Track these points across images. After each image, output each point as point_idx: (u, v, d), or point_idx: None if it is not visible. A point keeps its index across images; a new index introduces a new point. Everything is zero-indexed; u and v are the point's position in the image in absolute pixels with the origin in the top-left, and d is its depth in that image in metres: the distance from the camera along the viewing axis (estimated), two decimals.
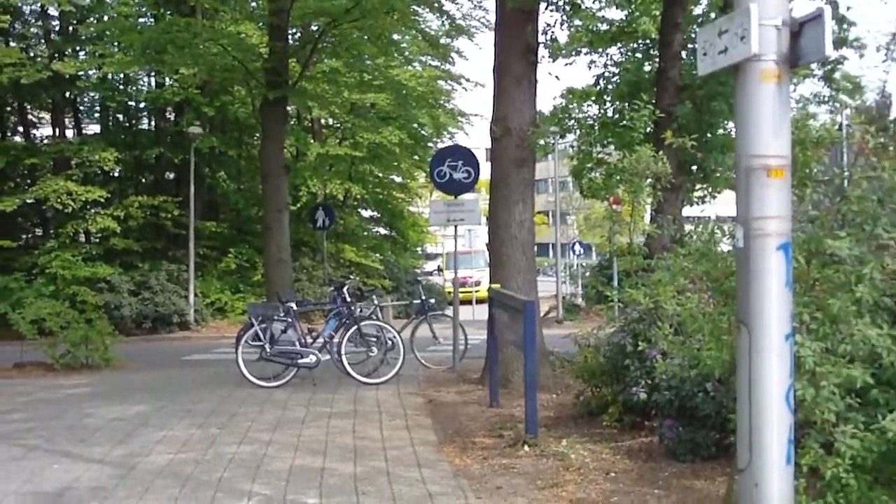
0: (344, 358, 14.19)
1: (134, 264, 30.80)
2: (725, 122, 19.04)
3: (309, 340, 14.50)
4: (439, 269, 44.87)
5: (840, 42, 19.09)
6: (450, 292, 28.78)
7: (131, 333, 27.22)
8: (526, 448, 9.29)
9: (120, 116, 35.53)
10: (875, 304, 5.81)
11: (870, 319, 5.71)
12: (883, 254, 5.85)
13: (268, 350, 14.09)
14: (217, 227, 33.19)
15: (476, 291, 35.64)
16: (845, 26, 19.11)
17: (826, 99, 20.09)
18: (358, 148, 33.93)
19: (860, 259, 5.87)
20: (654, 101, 17.07)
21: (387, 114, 33.77)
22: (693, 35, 16.91)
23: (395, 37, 27.19)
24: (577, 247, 49.93)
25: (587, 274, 39.55)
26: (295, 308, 14.69)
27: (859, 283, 5.71)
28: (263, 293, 25.17)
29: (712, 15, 20.63)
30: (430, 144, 36.83)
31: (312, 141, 33.04)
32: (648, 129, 12.82)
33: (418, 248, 47.45)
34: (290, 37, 24.23)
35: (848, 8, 19.41)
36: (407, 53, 30.70)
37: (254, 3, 29.98)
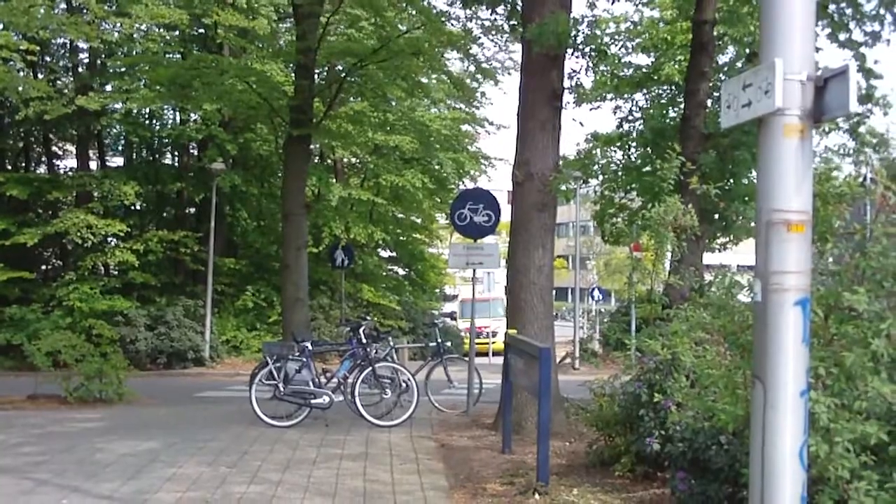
0: (357, 399, 14.14)
1: (151, 298, 30.89)
2: (749, 171, 18.97)
3: (323, 381, 14.47)
4: (453, 316, 44.29)
5: (866, 98, 19.05)
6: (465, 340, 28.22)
7: (146, 368, 27.24)
8: (537, 496, 9.19)
9: (144, 151, 35.77)
10: (892, 360, 5.75)
11: (887, 376, 5.65)
12: None
13: (281, 389, 14.06)
14: (236, 263, 33.26)
15: (492, 343, 33.31)
16: (872, 80, 19.09)
17: (850, 152, 20.05)
18: (380, 191, 33.99)
19: (879, 315, 5.81)
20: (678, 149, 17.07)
21: (410, 156, 33.87)
22: (719, 84, 16.89)
23: (422, 80, 27.28)
24: (596, 292, 49.85)
25: (606, 320, 39.36)
26: (310, 348, 14.66)
27: (876, 338, 5.65)
28: (280, 331, 25.13)
29: (739, 64, 20.65)
30: (451, 186, 36.87)
31: (334, 181, 33.10)
32: (680, 176, 12.80)
33: (437, 290, 47.42)
34: (316, 76, 24.35)
35: (875, 61, 19.40)
36: (433, 95, 30.78)
37: (281, 42, 30.25)
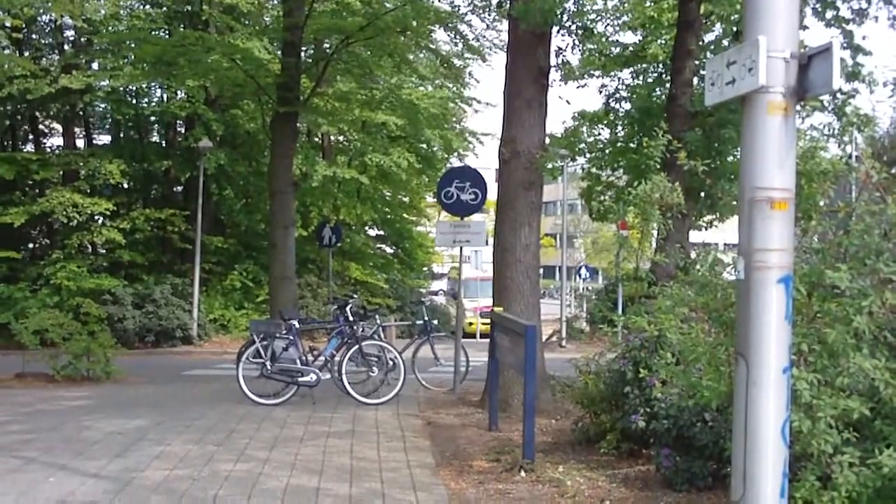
0: (344, 377, 14.16)
1: (139, 277, 30.81)
2: (734, 149, 18.99)
3: (310, 359, 14.47)
4: (450, 293, 43.86)
5: (853, 75, 19.06)
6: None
7: (134, 346, 27.19)
8: (522, 473, 9.24)
9: (130, 129, 35.60)
10: (874, 337, 5.79)
11: (868, 352, 5.68)
12: (884, 288, 5.82)
13: (268, 367, 14.07)
14: (223, 242, 33.19)
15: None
16: (860, 56, 19.08)
17: (836, 132, 20.07)
18: (367, 169, 33.92)
19: (861, 292, 5.84)
20: (664, 128, 17.08)
21: (397, 134, 33.78)
22: (706, 62, 16.91)
23: (409, 57, 27.19)
24: (583, 270, 49.92)
25: (593, 298, 39.43)
26: (297, 326, 14.67)
27: (858, 315, 5.68)
28: (267, 310, 25.12)
29: (725, 42, 20.64)
30: (438, 164, 36.80)
31: (321, 160, 32.99)
32: (666, 154, 12.79)
33: (425, 268, 47.42)
34: (302, 53, 24.26)
35: (864, 37, 19.37)
36: (420, 72, 30.68)
37: (267, 19, 30.12)
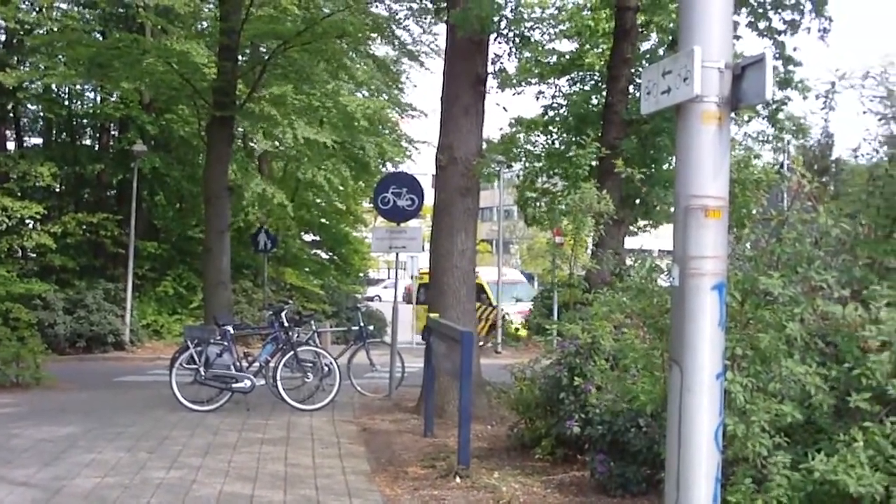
0: (279, 383, 14.08)
1: (70, 282, 30.32)
2: (670, 157, 19.19)
3: (244, 364, 14.36)
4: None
5: (785, 83, 19.35)
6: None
7: (65, 352, 26.79)
8: (458, 479, 9.23)
9: (62, 131, 35.06)
10: (806, 344, 5.87)
11: (800, 358, 5.76)
12: (815, 295, 5.91)
13: (202, 373, 13.95)
14: (157, 247, 32.82)
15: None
16: (791, 67, 19.38)
17: (770, 139, 20.34)
18: (299, 185, 33.73)
19: (794, 299, 5.93)
20: (600, 135, 17.22)
21: (333, 145, 33.57)
22: (641, 71, 17.06)
23: (346, 62, 27.08)
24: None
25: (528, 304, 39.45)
26: (232, 332, 14.56)
27: (791, 321, 5.76)
28: (201, 315, 24.87)
29: (661, 51, 20.84)
30: (375, 170, 36.66)
31: (258, 171, 32.73)
32: (593, 163, 12.91)
33: (361, 274, 47.26)
34: (239, 57, 24.08)
35: (795, 48, 19.69)
36: (357, 78, 30.53)
37: (204, 23, 29.85)
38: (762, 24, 18.24)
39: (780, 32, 18.32)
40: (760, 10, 18.07)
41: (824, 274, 5.97)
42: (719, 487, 4.61)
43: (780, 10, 18.04)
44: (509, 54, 16.48)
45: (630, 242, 19.82)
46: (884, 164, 6.71)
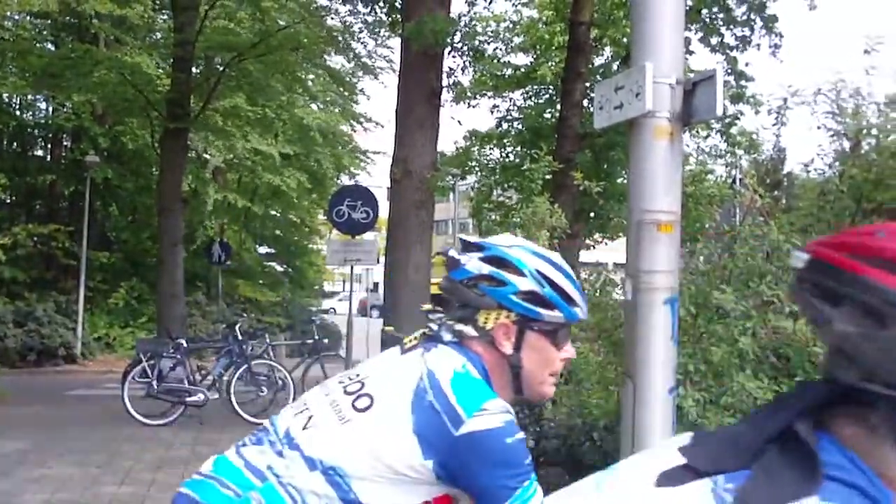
0: (233, 397, 13.99)
1: (21, 294, 29.96)
2: (623, 171, 19.31)
3: (198, 378, 14.26)
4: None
5: (737, 98, 19.57)
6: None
7: (15, 366, 26.41)
8: None
9: (13, 141, 34.71)
10: (758, 358, 5.91)
11: (752, 372, 5.80)
12: (767, 309, 5.95)
13: (155, 387, 13.82)
14: (110, 258, 32.52)
15: None
16: (743, 82, 19.62)
17: (723, 153, 20.56)
18: (257, 190, 33.58)
19: (745, 314, 5.97)
20: (554, 149, 17.30)
21: (288, 155, 33.47)
22: (596, 84, 17.20)
23: (301, 75, 27.02)
24: None
25: None
26: (185, 345, 14.46)
27: (743, 336, 5.80)
28: (154, 328, 24.67)
29: (614, 66, 20.99)
30: (330, 183, 36.58)
31: (213, 182, 32.56)
32: (547, 177, 12.92)
33: (316, 286, 47.10)
34: (194, 69, 23.96)
35: (747, 64, 19.95)
36: (312, 90, 30.47)
37: (158, 34, 29.68)
38: (714, 40, 18.47)
39: (731, 48, 18.57)
40: (712, 26, 18.30)
41: (776, 289, 6.02)
42: None
43: (731, 27, 18.28)
44: (464, 68, 16.55)
45: (588, 256, 19.93)
46: (834, 179, 6.79)
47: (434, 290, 2.52)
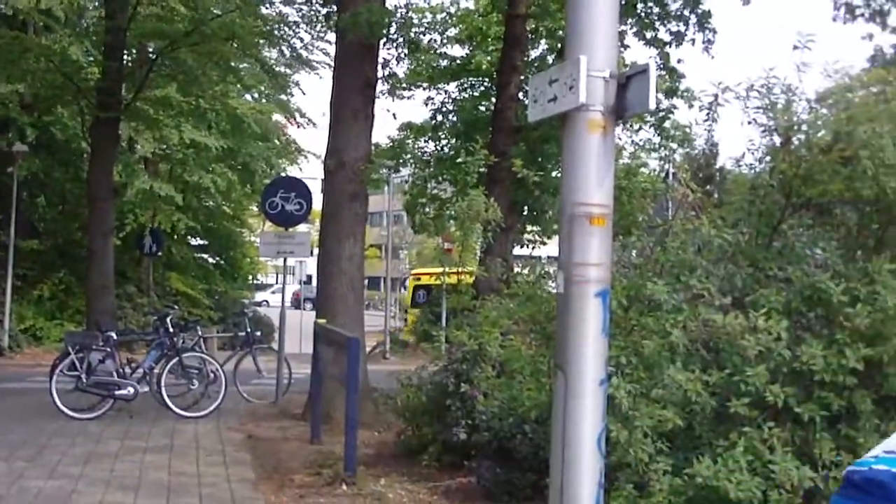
0: (163, 390, 13.82)
1: None
2: (558, 164, 19.37)
3: (128, 371, 14.06)
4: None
5: (671, 92, 19.74)
6: None
7: None
8: (344, 487, 9.17)
9: None
10: (688, 350, 5.96)
11: (682, 365, 5.84)
12: (697, 303, 6.00)
13: (84, 380, 13.61)
14: (39, 244, 32.01)
15: None
16: (677, 76, 19.79)
17: (656, 147, 20.72)
18: (187, 185, 33.26)
19: (676, 307, 6.02)
20: (489, 141, 17.32)
21: (220, 148, 33.13)
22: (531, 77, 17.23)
23: (234, 64, 26.76)
24: (408, 282, 50.09)
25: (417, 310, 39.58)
26: (115, 337, 14.26)
27: (674, 328, 5.85)
28: (83, 320, 24.34)
29: (550, 58, 21.05)
30: (262, 176, 36.29)
31: (144, 171, 32.13)
32: (483, 169, 12.95)
33: (249, 279, 46.81)
34: (125, 57, 23.65)
35: (679, 60, 20.13)
36: (245, 82, 30.20)
37: (89, 21, 29.23)
38: (649, 35, 18.60)
39: (666, 43, 18.71)
40: (647, 21, 18.43)
41: (706, 282, 6.08)
42: (602, 493, 4.64)
43: (665, 22, 18.43)
44: (399, 59, 16.49)
45: (525, 249, 19.99)
46: (765, 174, 6.86)
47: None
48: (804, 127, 6.61)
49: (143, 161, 32.77)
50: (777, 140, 6.77)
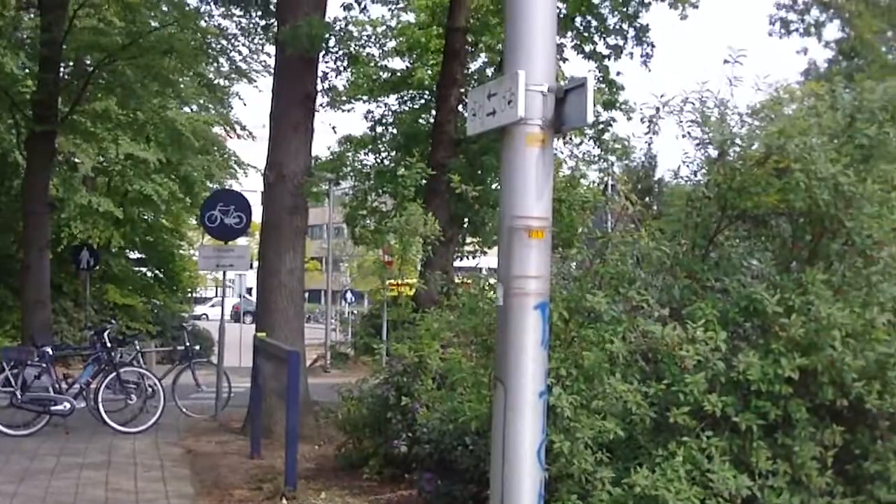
0: (100, 405, 13.65)
1: None
2: (497, 176, 19.44)
3: (64, 387, 13.88)
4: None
5: (609, 105, 19.92)
6: None
7: None
8: (284, 501, 9.12)
9: None
10: (627, 362, 6.01)
11: (622, 376, 5.89)
12: (636, 314, 6.06)
13: (19, 396, 13.41)
14: None
15: None
16: (615, 89, 19.99)
17: (596, 159, 20.87)
18: (126, 196, 32.91)
19: (616, 318, 6.07)
20: (429, 154, 17.36)
21: (160, 162, 32.82)
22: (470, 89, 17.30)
23: (173, 77, 26.55)
24: (349, 294, 49.95)
25: (358, 322, 39.49)
26: (51, 352, 14.07)
27: (614, 339, 5.89)
28: (18, 336, 23.99)
29: (489, 72, 21.14)
30: (200, 189, 35.99)
31: (81, 185, 31.75)
32: (422, 182, 12.98)
33: (188, 292, 46.42)
34: (62, 70, 23.38)
35: (618, 73, 20.35)
36: (183, 95, 29.98)
37: (26, 32, 28.88)
38: (588, 48, 18.77)
39: (605, 57, 18.90)
40: (586, 35, 18.59)
41: (645, 294, 6.13)
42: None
43: (604, 36, 18.61)
44: (338, 73, 16.48)
45: (467, 260, 20.05)
46: (701, 186, 6.93)
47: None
48: (738, 140, 6.69)
49: (81, 175, 32.38)
50: (712, 152, 6.85)
